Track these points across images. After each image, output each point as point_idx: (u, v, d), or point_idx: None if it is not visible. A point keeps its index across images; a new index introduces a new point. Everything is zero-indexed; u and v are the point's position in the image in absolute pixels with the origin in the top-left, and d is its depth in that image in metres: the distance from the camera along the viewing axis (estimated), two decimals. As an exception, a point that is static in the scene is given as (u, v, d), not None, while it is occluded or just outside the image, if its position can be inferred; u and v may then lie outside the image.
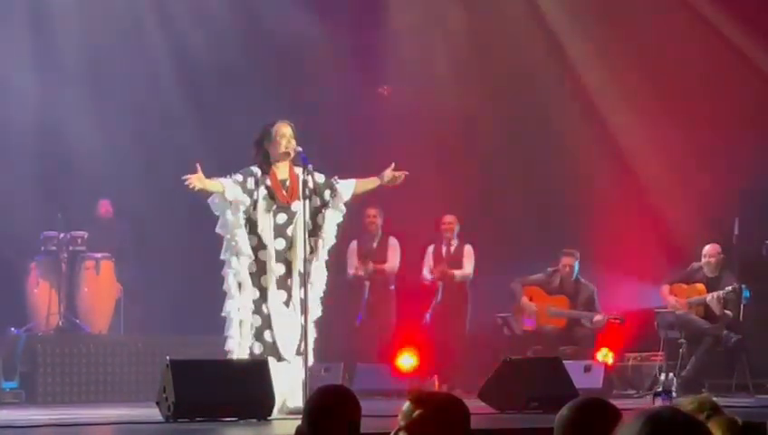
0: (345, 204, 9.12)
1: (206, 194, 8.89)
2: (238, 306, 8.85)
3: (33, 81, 13.06)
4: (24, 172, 12.95)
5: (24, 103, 12.92)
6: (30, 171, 12.98)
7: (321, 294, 9.06)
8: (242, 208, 8.85)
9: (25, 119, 12.98)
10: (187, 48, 13.73)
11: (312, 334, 8.92)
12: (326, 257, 9.08)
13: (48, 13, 13.39)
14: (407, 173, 9.23)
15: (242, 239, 8.85)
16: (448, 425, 3.38)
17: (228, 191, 8.79)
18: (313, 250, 8.97)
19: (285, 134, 8.97)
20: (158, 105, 13.56)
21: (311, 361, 8.91)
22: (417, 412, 3.35)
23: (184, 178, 8.71)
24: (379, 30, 14.37)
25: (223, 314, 8.93)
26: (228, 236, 8.89)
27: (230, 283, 8.87)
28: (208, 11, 13.76)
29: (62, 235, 12.77)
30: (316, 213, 9.02)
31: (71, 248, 12.86)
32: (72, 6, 13.36)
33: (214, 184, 8.78)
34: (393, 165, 9.19)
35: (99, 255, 13.04)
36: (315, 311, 8.96)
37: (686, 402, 3.52)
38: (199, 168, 8.72)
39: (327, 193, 9.05)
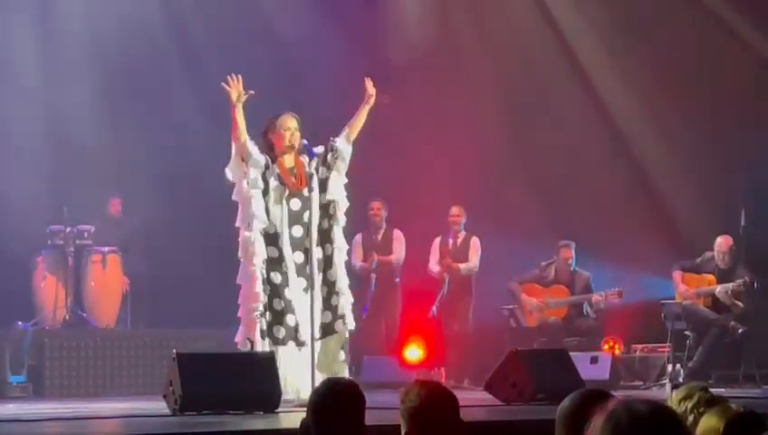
0: (350, 158, 9.09)
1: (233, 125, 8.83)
2: (251, 273, 8.83)
3: (40, 75, 13.07)
4: (31, 166, 12.95)
5: (31, 97, 12.92)
6: (36, 165, 12.98)
7: (346, 257, 9.19)
8: (258, 172, 8.84)
9: (32, 113, 12.99)
10: (200, 48, 13.75)
11: (349, 299, 9.05)
12: (344, 220, 9.13)
13: (55, 5, 13.42)
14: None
15: (257, 202, 8.85)
16: (443, 411, 3.44)
17: (249, 143, 8.81)
18: (332, 216, 9.05)
19: (290, 127, 9.00)
20: (167, 101, 13.55)
21: (351, 325, 9.02)
22: (412, 401, 3.40)
23: (228, 77, 8.75)
24: (382, 18, 14.35)
25: (238, 282, 8.92)
26: (243, 201, 8.88)
27: (244, 249, 8.86)
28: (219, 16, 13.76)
29: (68, 229, 12.78)
30: (326, 181, 9.06)
31: (77, 242, 12.87)
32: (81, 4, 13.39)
33: (243, 121, 8.79)
34: (368, 79, 9.15)
35: (105, 248, 13.05)
36: (343, 277, 9.05)
37: (678, 391, 3.55)
38: (240, 80, 8.74)
39: (329, 157, 9.09)
